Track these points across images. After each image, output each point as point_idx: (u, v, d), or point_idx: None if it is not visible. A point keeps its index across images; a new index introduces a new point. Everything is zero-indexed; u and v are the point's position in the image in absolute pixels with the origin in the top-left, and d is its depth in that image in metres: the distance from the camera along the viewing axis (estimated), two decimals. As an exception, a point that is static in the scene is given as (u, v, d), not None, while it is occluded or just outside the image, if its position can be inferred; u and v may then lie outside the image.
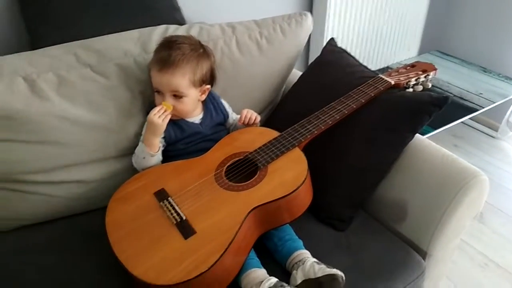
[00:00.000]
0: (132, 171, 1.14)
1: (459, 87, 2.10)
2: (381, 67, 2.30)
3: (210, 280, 0.89)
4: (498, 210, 1.89)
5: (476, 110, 1.93)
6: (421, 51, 2.53)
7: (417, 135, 1.18)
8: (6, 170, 1.03)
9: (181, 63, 1.07)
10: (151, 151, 1.11)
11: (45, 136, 1.05)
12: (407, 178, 1.15)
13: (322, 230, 1.14)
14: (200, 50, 1.13)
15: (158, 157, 1.13)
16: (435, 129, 1.78)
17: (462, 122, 2.41)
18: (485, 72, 2.26)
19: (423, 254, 1.11)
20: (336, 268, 0.95)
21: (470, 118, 2.39)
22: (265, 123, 1.36)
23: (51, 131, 1.06)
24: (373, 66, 2.27)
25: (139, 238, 0.94)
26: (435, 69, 1.24)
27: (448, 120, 1.84)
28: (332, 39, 1.41)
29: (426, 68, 1.24)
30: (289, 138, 1.08)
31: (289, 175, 1.01)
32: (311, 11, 2.00)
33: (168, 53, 1.07)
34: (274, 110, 1.39)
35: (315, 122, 1.10)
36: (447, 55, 2.42)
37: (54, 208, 1.13)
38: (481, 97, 2.03)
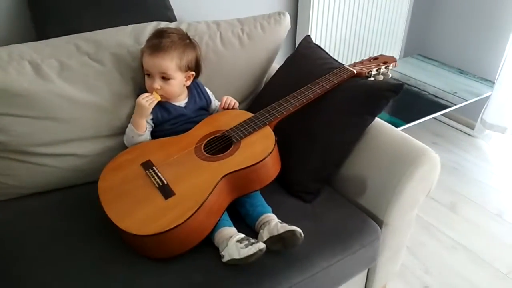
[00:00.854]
0: (124, 148, 1.29)
1: (435, 87, 2.25)
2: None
3: (184, 234, 1.03)
4: (471, 201, 2.01)
5: (449, 107, 2.07)
6: (404, 55, 2.69)
7: (377, 118, 1.33)
8: (13, 141, 1.18)
9: (169, 49, 1.22)
10: (139, 131, 1.26)
11: (47, 112, 1.20)
12: (367, 156, 1.29)
13: (291, 201, 1.28)
14: (187, 41, 1.29)
15: (146, 136, 1.28)
16: (408, 123, 1.92)
17: (440, 121, 2.57)
18: (462, 73, 2.40)
19: (380, 223, 1.25)
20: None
21: (448, 117, 2.55)
22: (247, 109, 1.50)
23: (52, 109, 1.21)
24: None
25: (125, 199, 1.09)
26: (395, 61, 1.39)
27: (421, 116, 1.98)
28: (308, 36, 1.57)
29: (387, 60, 1.39)
30: (261, 118, 1.23)
31: (258, 148, 1.15)
32: (296, 13, 2.16)
33: (159, 40, 1.24)
34: (254, 99, 1.54)
35: (285, 105, 1.25)
36: (429, 58, 2.56)
37: (53, 179, 1.28)
38: (455, 95, 2.17)
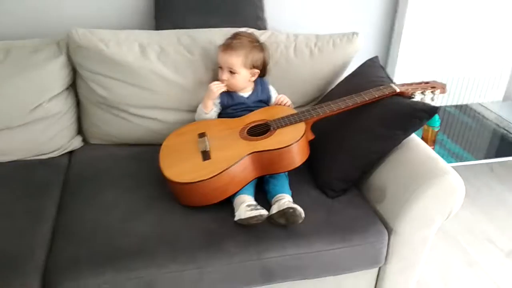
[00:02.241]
0: (193, 121, 1.61)
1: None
2: (460, 103, 2.42)
3: (208, 189, 1.30)
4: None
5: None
6: (511, 98, 2.57)
7: (413, 135, 1.43)
8: (113, 99, 1.58)
9: (237, 48, 1.50)
10: (205, 110, 1.56)
11: (142, 83, 1.58)
12: (393, 168, 1.39)
13: (315, 193, 1.44)
14: (255, 44, 1.55)
15: (210, 115, 1.57)
16: (476, 159, 1.90)
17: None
18: None
19: (389, 230, 1.34)
20: (310, 218, 1.28)
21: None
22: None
23: (147, 81, 1.58)
24: (451, 101, 2.41)
25: (175, 155, 1.40)
26: (443, 87, 1.45)
27: (491, 156, 1.94)
28: (376, 56, 1.71)
29: (436, 86, 1.46)
30: (300, 115, 1.43)
31: (286, 137, 1.36)
32: (392, 30, 2.28)
33: (231, 40, 1.53)
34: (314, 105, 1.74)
35: (324, 107, 1.43)
36: (537, 106, 2.43)
37: (136, 135, 1.65)
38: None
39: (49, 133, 1.56)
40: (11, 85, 1.47)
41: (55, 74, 1.53)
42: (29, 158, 1.56)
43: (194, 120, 1.62)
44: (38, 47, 1.55)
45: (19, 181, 1.45)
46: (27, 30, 1.77)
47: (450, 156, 1.96)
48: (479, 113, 2.36)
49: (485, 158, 1.95)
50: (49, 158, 1.58)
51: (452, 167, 1.78)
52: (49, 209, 1.35)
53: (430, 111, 1.35)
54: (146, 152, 1.59)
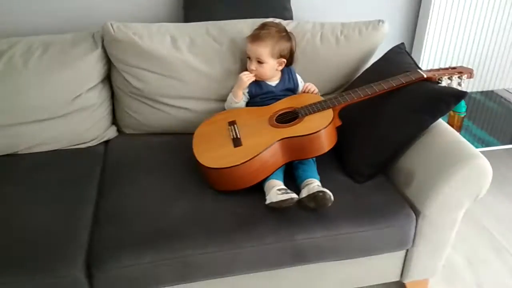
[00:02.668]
0: (223, 110, 1.66)
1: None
2: (486, 89, 2.41)
3: (239, 174, 1.35)
4: None
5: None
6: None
7: (440, 120, 1.45)
8: (147, 90, 1.65)
9: (265, 38, 1.54)
10: (236, 99, 1.61)
11: (174, 73, 1.64)
12: (421, 153, 1.42)
13: (343, 178, 1.48)
14: (283, 33, 1.59)
15: (240, 104, 1.62)
16: (502, 144, 1.90)
17: None
18: None
19: (417, 213, 1.38)
20: (339, 202, 1.32)
21: None
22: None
23: (178, 72, 1.64)
24: (476, 87, 2.40)
25: (208, 142, 1.46)
26: (471, 72, 1.47)
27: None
28: (402, 43, 1.73)
29: (463, 71, 1.48)
30: (328, 102, 1.46)
31: (314, 124, 1.40)
32: (417, 16, 2.27)
33: (259, 31, 1.57)
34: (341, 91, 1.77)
35: (351, 94, 1.46)
36: None
37: (169, 124, 1.72)
38: None
39: (86, 123, 1.64)
40: (52, 78, 1.55)
41: (92, 66, 1.60)
42: (68, 147, 1.64)
43: (223, 109, 1.67)
44: (75, 41, 1.62)
45: (61, 169, 1.53)
46: (63, 24, 1.85)
47: (476, 141, 1.96)
48: (505, 99, 2.34)
49: (511, 143, 1.94)
50: (86, 147, 1.66)
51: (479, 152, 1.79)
52: (90, 194, 1.43)
53: (457, 96, 1.37)
54: (177, 140, 1.66)
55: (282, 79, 1.65)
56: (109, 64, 1.67)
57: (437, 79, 1.47)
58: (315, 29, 1.74)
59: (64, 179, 1.49)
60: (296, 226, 1.31)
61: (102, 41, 1.63)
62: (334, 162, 1.54)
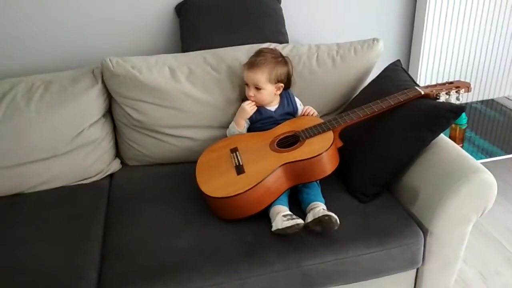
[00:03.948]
0: (225, 137, 1.67)
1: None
2: (486, 98, 2.41)
3: (244, 202, 1.35)
4: None
5: None
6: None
7: (441, 135, 1.45)
8: (148, 121, 1.66)
9: (261, 65, 1.56)
10: (239, 128, 1.62)
11: (174, 104, 1.65)
12: (424, 168, 1.42)
13: (348, 199, 1.48)
14: (279, 59, 1.61)
15: (243, 132, 1.63)
16: (507, 154, 1.90)
17: None
18: None
19: (425, 231, 1.37)
20: (345, 224, 1.31)
21: None
22: (332, 121, 1.75)
23: (178, 102, 1.66)
24: (476, 97, 2.41)
25: (211, 171, 1.47)
26: (468, 86, 1.47)
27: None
28: (398, 60, 1.74)
29: (461, 85, 1.48)
30: (327, 124, 1.47)
31: (316, 147, 1.40)
32: (412, 33, 2.29)
33: (255, 58, 1.59)
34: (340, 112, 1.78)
35: (350, 115, 1.47)
36: None
37: (172, 154, 1.72)
38: None
39: (90, 158, 1.65)
40: (54, 115, 1.57)
41: (93, 102, 1.62)
42: (73, 184, 1.65)
43: (225, 136, 1.68)
44: (76, 78, 1.64)
45: (66, 206, 1.54)
46: (63, 61, 1.88)
47: (480, 152, 1.96)
48: (506, 107, 2.34)
49: (516, 152, 1.94)
50: (91, 182, 1.67)
51: (483, 163, 1.79)
52: (96, 230, 1.43)
53: (456, 111, 1.38)
54: (182, 169, 1.66)
55: (281, 103, 1.66)
56: (110, 98, 1.69)
57: (434, 95, 1.48)
58: (311, 51, 1.76)
59: (70, 216, 1.49)
60: (304, 252, 1.30)
61: (102, 76, 1.65)
62: (338, 182, 1.54)
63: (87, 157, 1.64)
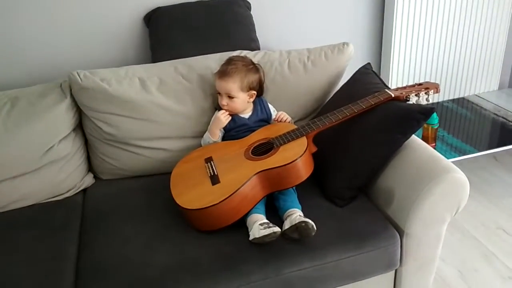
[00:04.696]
0: (200, 147, 1.66)
1: (526, 119, 2.18)
2: (456, 97, 2.46)
3: (220, 212, 1.34)
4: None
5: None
6: (506, 85, 2.60)
7: (413, 136, 1.47)
8: (120, 134, 1.63)
9: (233, 74, 1.55)
10: (213, 138, 1.61)
11: (146, 116, 1.63)
12: (398, 171, 1.43)
13: (325, 204, 1.48)
14: (250, 66, 1.60)
15: (217, 141, 1.62)
16: (479, 151, 1.93)
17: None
18: None
19: (401, 232, 1.38)
20: (322, 229, 1.31)
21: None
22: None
23: (150, 113, 1.63)
24: (447, 96, 2.45)
25: (186, 182, 1.45)
26: (437, 87, 1.50)
27: (494, 146, 1.98)
28: (368, 63, 1.76)
29: (430, 86, 1.51)
30: (301, 130, 1.47)
31: (290, 153, 1.40)
32: (381, 35, 2.32)
33: (226, 67, 1.58)
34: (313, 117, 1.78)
35: (323, 120, 1.47)
36: (533, 90, 2.46)
37: (146, 166, 1.70)
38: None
39: (62, 174, 1.61)
40: (22, 132, 1.52)
41: (62, 117, 1.58)
42: (45, 201, 1.61)
43: (200, 146, 1.67)
44: (43, 93, 1.60)
45: (38, 224, 1.49)
46: (30, 76, 1.84)
47: (453, 151, 1.99)
48: (476, 105, 2.39)
49: (488, 148, 1.98)
50: (64, 199, 1.63)
51: (456, 161, 1.83)
52: (70, 249, 1.40)
53: (426, 112, 1.39)
54: (157, 182, 1.63)
55: (254, 110, 1.65)
56: (80, 112, 1.66)
57: (405, 97, 1.50)
58: (282, 57, 1.76)
59: (43, 235, 1.45)
60: (282, 260, 1.29)
61: (70, 90, 1.62)
62: (314, 187, 1.54)
63: (58, 173, 1.60)
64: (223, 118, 1.60)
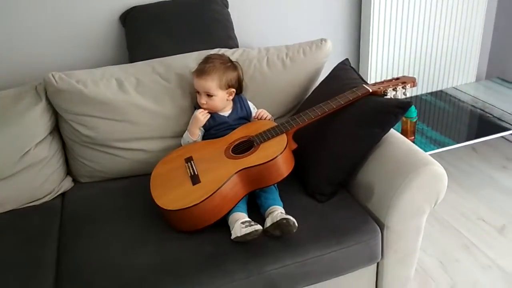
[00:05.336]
0: (180, 147, 1.64)
1: (502, 110, 2.21)
2: (435, 90, 2.49)
3: (201, 212, 1.33)
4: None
5: (508, 129, 2.04)
6: (483, 77, 2.65)
7: (392, 130, 1.48)
8: (98, 136, 1.61)
9: (211, 72, 1.54)
10: (193, 137, 1.60)
11: (125, 117, 1.61)
12: (377, 165, 1.44)
13: (306, 200, 1.48)
14: (227, 64, 1.60)
15: (198, 140, 1.61)
16: (458, 143, 1.96)
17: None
18: (542, 98, 2.31)
19: (382, 226, 1.39)
20: (304, 226, 1.32)
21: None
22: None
23: (128, 114, 1.61)
24: (426, 89, 2.48)
25: (166, 183, 1.43)
26: (413, 81, 1.51)
27: (472, 138, 2.01)
28: (346, 59, 1.76)
29: (406, 81, 1.52)
30: (280, 127, 1.47)
31: (270, 151, 1.40)
32: (359, 31, 2.33)
33: (204, 65, 1.57)
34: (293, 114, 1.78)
35: (302, 117, 1.48)
36: (508, 82, 2.50)
37: (126, 168, 1.68)
38: (523, 119, 2.12)
39: (39, 179, 1.58)
40: (-3, 137, 1.50)
41: (37, 120, 1.56)
42: (23, 206, 1.58)
43: (179, 146, 1.65)
44: (17, 96, 1.57)
45: (16, 231, 1.47)
46: (3, 80, 1.79)
47: (432, 143, 2.01)
48: (454, 97, 2.42)
49: (466, 140, 2.00)
50: (42, 203, 1.60)
51: (435, 153, 1.85)
52: (50, 254, 1.37)
53: (403, 106, 1.41)
54: (137, 183, 1.62)
55: (234, 108, 1.65)
56: (56, 115, 1.63)
57: (382, 91, 1.51)
58: (261, 54, 1.76)
59: (21, 240, 1.42)
60: (265, 257, 1.29)
61: (46, 93, 1.59)
62: (296, 184, 1.54)
63: (35, 178, 1.57)
64: (201, 117, 1.59)
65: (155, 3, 1.90)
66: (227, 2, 1.99)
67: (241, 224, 1.30)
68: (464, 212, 2.06)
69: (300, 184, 1.54)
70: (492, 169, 2.31)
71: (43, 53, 1.85)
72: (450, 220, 2.01)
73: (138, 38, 1.86)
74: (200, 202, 1.31)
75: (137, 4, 1.88)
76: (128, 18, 1.87)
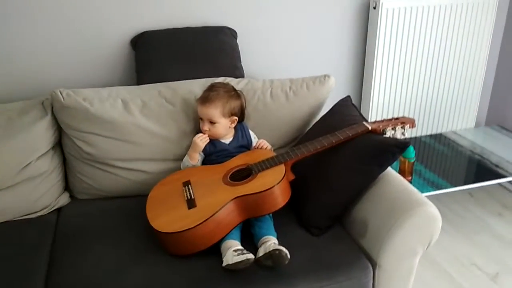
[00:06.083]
0: (179, 170, 1.66)
1: (500, 157, 2.24)
2: (434, 132, 2.53)
3: (195, 237, 1.34)
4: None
5: (505, 177, 2.06)
6: (483, 123, 2.69)
7: (389, 169, 1.50)
8: (99, 154, 1.63)
9: (214, 100, 1.58)
10: (192, 161, 1.62)
11: (127, 137, 1.63)
12: (372, 202, 1.46)
13: (300, 232, 1.49)
14: (231, 93, 1.64)
15: (197, 165, 1.63)
16: (453, 186, 1.98)
17: None
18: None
19: (374, 264, 1.39)
20: (296, 257, 1.32)
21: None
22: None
23: (131, 135, 1.64)
24: (425, 131, 2.51)
25: (162, 205, 1.45)
26: (412, 122, 1.54)
27: (468, 182, 2.03)
28: (348, 96, 1.80)
29: (406, 121, 1.55)
30: (279, 157, 1.49)
31: (268, 180, 1.42)
32: (363, 70, 2.38)
33: (208, 93, 1.61)
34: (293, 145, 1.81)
35: (302, 149, 1.50)
36: (507, 130, 2.54)
37: (124, 187, 1.69)
38: (520, 167, 2.14)
39: (37, 192, 1.59)
40: (1, 148, 1.51)
41: (41, 134, 1.58)
42: (18, 218, 1.58)
43: (179, 169, 1.67)
44: (24, 109, 1.61)
45: (9, 242, 1.47)
46: (12, 92, 1.83)
47: (429, 185, 2.03)
48: (453, 141, 2.45)
49: (463, 184, 2.02)
50: (38, 217, 1.60)
51: (432, 195, 1.85)
52: (40, 269, 1.37)
53: (401, 146, 1.43)
54: (134, 203, 1.62)
55: (235, 136, 1.68)
56: (60, 131, 1.66)
57: (381, 130, 1.54)
58: (265, 86, 1.80)
59: (13, 253, 1.42)
60: (255, 287, 1.29)
61: (52, 108, 1.62)
62: (291, 215, 1.55)
63: (34, 191, 1.59)
64: (200, 142, 1.61)
65: (166, 29, 1.96)
66: (236, 33, 2.05)
67: (233, 252, 1.30)
68: (457, 256, 2.05)
69: (296, 215, 1.55)
70: (488, 215, 2.32)
71: (53, 70, 1.89)
72: (443, 263, 2.00)
73: (147, 61, 1.90)
74: (194, 227, 1.32)
75: (149, 29, 1.94)
76: (139, 42, 1.93)
